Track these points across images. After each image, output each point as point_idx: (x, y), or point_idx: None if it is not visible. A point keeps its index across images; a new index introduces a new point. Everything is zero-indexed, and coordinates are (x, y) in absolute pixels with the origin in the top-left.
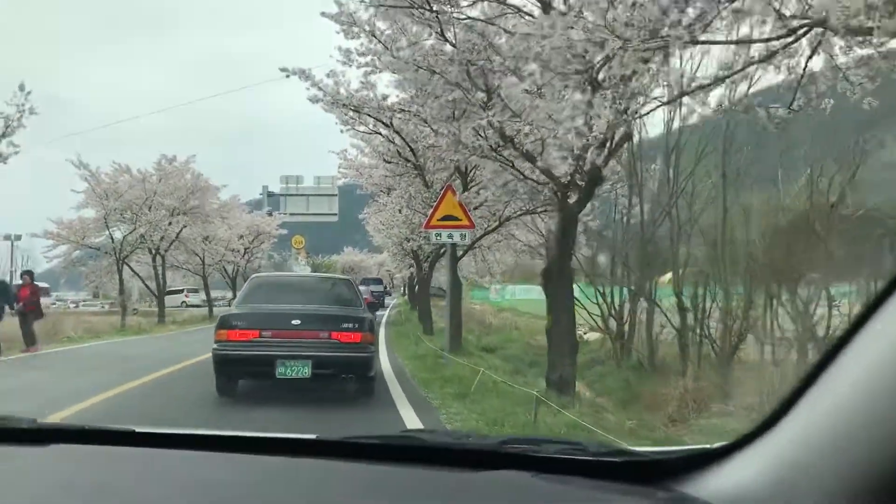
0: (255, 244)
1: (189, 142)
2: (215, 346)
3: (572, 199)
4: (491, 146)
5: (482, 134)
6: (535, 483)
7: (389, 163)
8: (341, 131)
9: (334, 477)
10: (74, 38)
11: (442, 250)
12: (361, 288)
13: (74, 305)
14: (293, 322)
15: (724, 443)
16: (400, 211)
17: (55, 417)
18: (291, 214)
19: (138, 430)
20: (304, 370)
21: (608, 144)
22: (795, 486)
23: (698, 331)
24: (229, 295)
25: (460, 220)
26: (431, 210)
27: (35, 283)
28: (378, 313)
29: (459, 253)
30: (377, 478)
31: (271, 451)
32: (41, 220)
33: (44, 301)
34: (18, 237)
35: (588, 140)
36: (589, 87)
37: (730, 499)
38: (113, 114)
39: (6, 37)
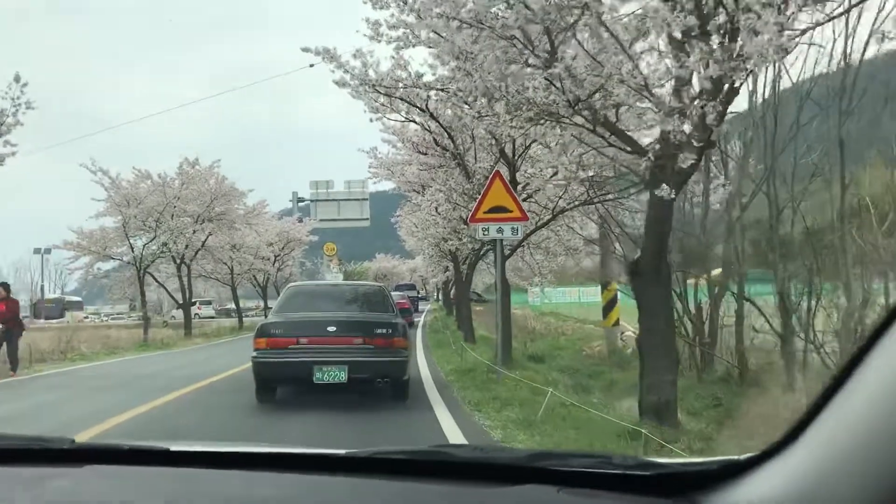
0: (285, 252)
1: (216, 154)
2: (254, 354)
3: (684, 163)
4: (568, 101)
5: (558, 86)
6: (561, 498)
7: (425, 154)
8: (371, 120)
9: (363, 493)
10: (106, 54)
11: (483, 250)
12: (396, 294)
13: (106, 319)
14: (329, 329)
15: (751, 454)
16: (436, 209)
17: None
18: (321, 220)
19: (173, 448)
20: (341, 375)
21: (721, 96)
22: (819, 498)
23: (802, 335)
24: (262, 304)
25: (511, 211)
26: (477, 201)
27: (12, 296)
28: (414, 319)
29: (507, 251)
30: (406, 493)
31: (302, 467)
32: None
33: (76, 315)
34: (48, 251)
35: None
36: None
37: None
38: (147, 130)
39: (38, 53)
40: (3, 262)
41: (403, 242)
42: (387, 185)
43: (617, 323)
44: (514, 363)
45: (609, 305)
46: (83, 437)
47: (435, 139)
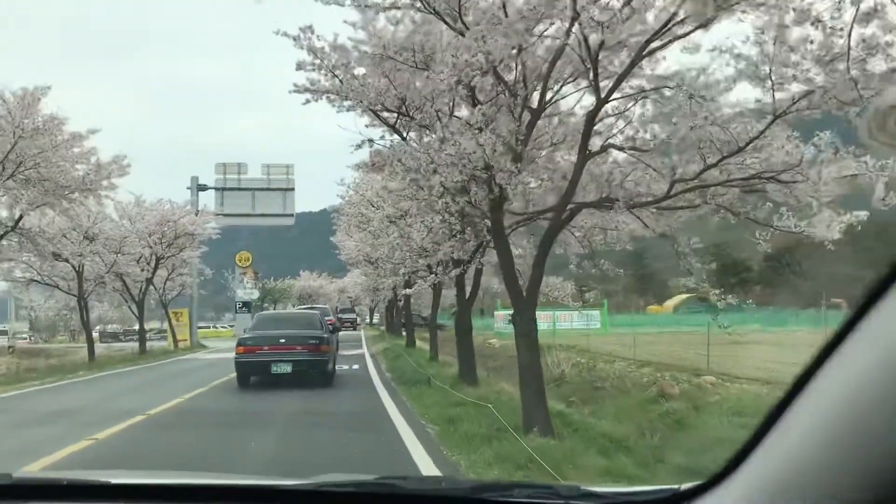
0: (171, 251)
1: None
2: (235, 356)
3: None
4: None
5: None
6: None
7: None
8: None
9: None
10: (27, 63)
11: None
12: (342, 315)
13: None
14: (280, 340)
15: (692, 483)
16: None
17: None
18: (226, 215)
19: (114, 480)
20: (287, 368)
21: None
22: None
23: None
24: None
25: None
26: None
27: None
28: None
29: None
30: None
31: (247, 500)
32: None
33: None
34: None
35: None
36: None
37: None
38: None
39: None
40: None
41: (337, 252)
42: (313, 204)
43: None
44: None
45: None
46: None
47: None
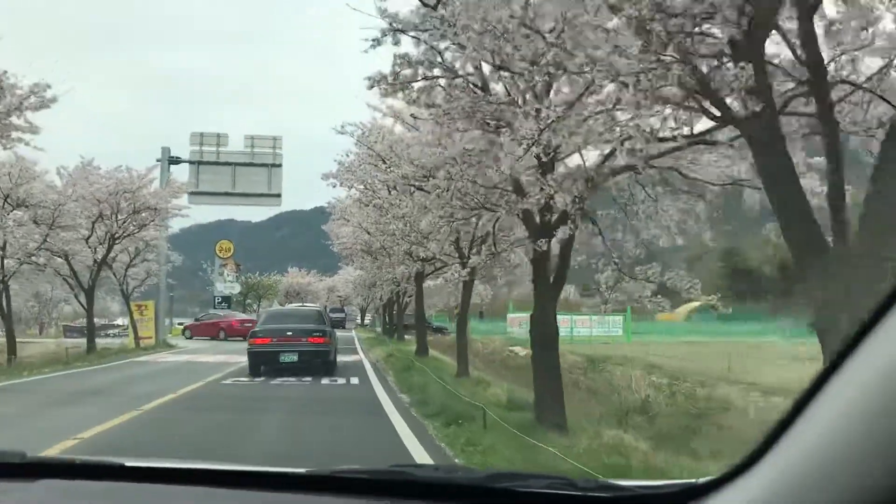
0: (128, 227)
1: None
2: (248, 347)
3: None
4: None
5: None
6: None
7: None
8: None
9: None
10: (30, 54)
11: None
12: (332, 315)
13: None
14: (287, 333)
15: (710, 478)
16: None
17: None
18: (201, 193)
19: (128, 463)
20: (294, 357)
21: None
22: None
23: None
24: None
25: None
26: None
27: None
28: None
29: None
30: None
31: (261, 486)
32: None
33: None
34: None
35: None
36: None
37: None
38: (73, 136)
39: None
40: None
41: (329, 244)
42: (303, 203)
43: None
44: None
45: None
46: None
47: None
